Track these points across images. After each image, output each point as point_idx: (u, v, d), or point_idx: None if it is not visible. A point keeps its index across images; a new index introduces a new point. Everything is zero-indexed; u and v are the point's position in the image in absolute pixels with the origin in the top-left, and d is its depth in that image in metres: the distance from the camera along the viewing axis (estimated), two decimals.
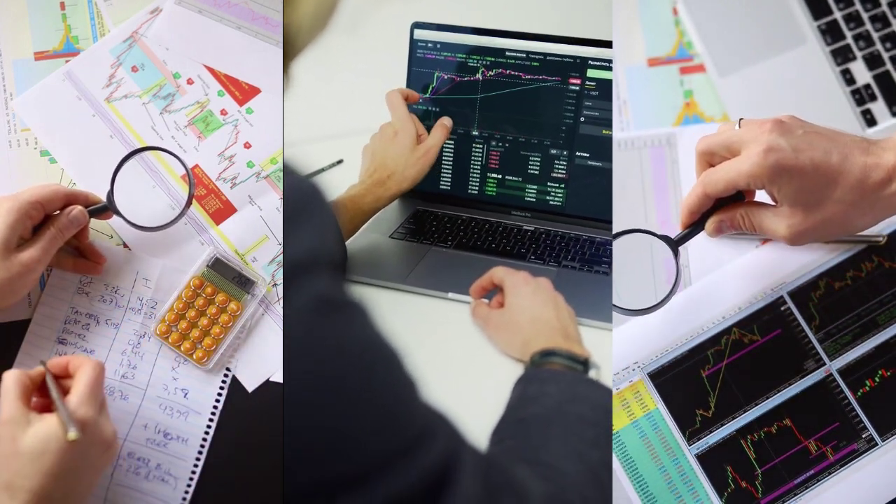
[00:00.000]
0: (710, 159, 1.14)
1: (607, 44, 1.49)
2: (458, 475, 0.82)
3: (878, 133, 1.31)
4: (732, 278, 1.25)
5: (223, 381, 1.27)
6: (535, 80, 1.56)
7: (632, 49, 1.37)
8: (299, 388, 0.76)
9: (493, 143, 1.59)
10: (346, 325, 0.80)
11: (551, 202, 1.58)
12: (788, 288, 1.24)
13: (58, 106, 1.33)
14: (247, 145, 1.33)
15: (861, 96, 1.32)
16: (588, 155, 1.54)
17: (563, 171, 1.56)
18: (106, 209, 1.24)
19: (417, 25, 1.61)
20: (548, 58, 1.55)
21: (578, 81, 1.53)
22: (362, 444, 0.78)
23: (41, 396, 1.12)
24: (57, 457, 1.03)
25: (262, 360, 1.28)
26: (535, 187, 1.58)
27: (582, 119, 1.54)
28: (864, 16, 1.34)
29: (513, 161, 1.59)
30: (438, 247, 1.52)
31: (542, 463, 0.97)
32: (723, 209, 1.15)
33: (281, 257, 1.30)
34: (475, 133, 1.60)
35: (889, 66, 1.33)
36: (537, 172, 1.58)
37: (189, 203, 1.25)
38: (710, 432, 1.20)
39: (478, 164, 1.61)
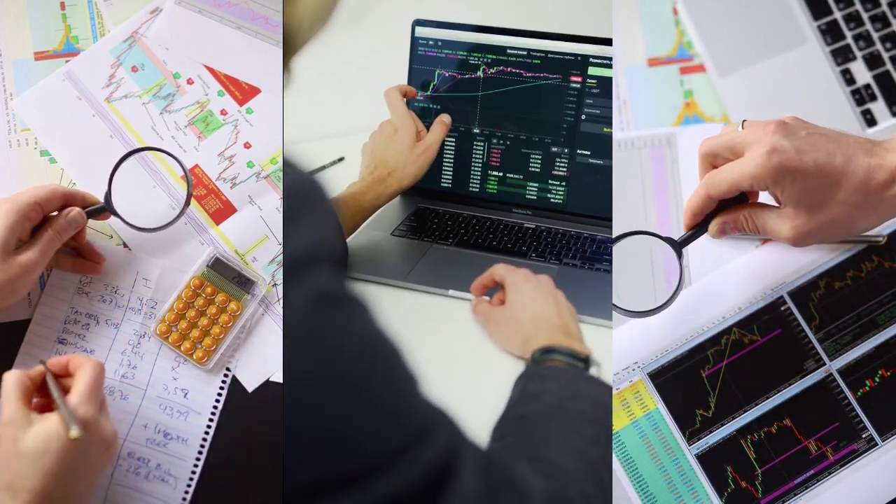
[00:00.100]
0: (713, 161, 1.14)
1: (608, 41, 1.49)
2: (458, 472, 0.82)
3: (878, 133, 1.31)
4: (732, 278, 1.25)
5: (223, 381, 1.27)
6: (536, 78, 1.56)
7: (632, 49, 1.37)
8: (299, 383, 0.76)
9: (495, 141, 1.60)
10: (346, 321, 0.80)
11: (552, 200, 1.58)
12: (788, 288, 1.24)
13: (58, 106, 1.33)
14: (247, 145, 1.33)
15: (861, 96, 1.32)
16: (589, 153, 1.54)
17: (565, 169, 1.56)
18: (104, 210, 1.24)
19: (419, 23, 1.61)
20: (549, 55, 1.55)
21: (579, 79, 1.53)
22: (363, 440, 0.78)
23: (42, 396, 1.13)
24: (57, 456, 1.03)
25: (262, 360, 1.28)
26: (536, 185, 1.58)
27: (583, 117, 1.54)
28: (864, 16, 1.34)
29: (514, 159, 1.59)
30: (439, 244, 1.52)
31: (543, 460, 0.97)
32: (726, 211, 1.15)
33: (281, 257, 1.30)
34: (476, 131, 1.60)
35: (889, 66, 1.33)
36: (538, 170, 1.58)
37: (187, 204, 1.25)
38: (710, 432, 1.20)
39: (479, 162, 1.61)
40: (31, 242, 1.19)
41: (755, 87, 1.33)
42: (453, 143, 1.61)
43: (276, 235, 1.31)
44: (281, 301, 1.29)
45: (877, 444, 1.20)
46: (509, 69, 1.57)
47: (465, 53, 1.59)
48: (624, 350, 1.23)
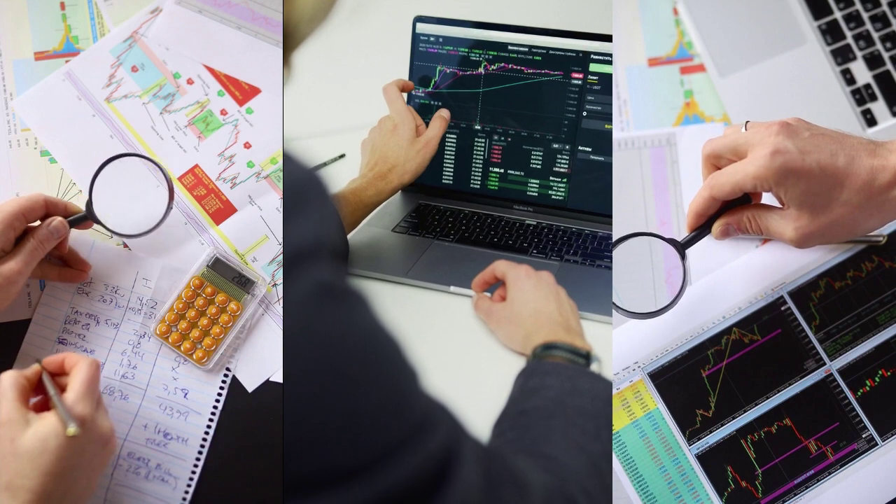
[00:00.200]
0: (716, 162, 1.14)
1: (609, 38, 1.49)
2: (458, 465, 0.82)
3: (878, 133, 1.31)
4: (732, 278, 1.25)
5: (223, 381, 1.27)
6: (537, 75, 1.56)
7: (632, 49, 1.37)
8: (299, 377, 0.76)
9: (496, 138, 1.60)
10: (347, 314, 0.79)
11: (553, 197, 1.58)
12: (788, 288, 1.24)
13: (58, 106, 1.33)
14: (247, 145, 1.33)
15: (861, 96, 1.32)
16: (590, 149, 1.54)
17: (566, 166, 1.56)
18: (86, 219, 1.24)
19: (419, 19, 1.61)
20: (550, 52, 1.55)
21: (581, 76, 1.53)
22: (362, 433, 0.78)
23: (39, 395, 1.13)
24: (56, 455, 1.04)
25: (262, 360, 1.28)
26: (537, 182, 1.58)
27: (584, 113, 1.54)
28: (864, 16, 1.34)
29: (515, 155, 1.59)
30: (440, 241, 1.52)
31: (543, 455, 0.97)
32: (729, 212, 1.15)
33: (281, 257, 1.30)
34: (477, 127, 1.60)
35: (889, 66, 1.33)
36: (539, 167, 1.58)
37: (169, 209, 1.24)
38: (710, 432, 1.20)
39: (480, 159, 1.61)
40: (13, 253, 1.18)
41: (755, 87, 1.33)
42: (454, 140, 1.62)
43: (276, 235, 1.31)
44: (281, 301, 1.29)
45: (877, 444, 1.20)
46: (510, 66, 1.57)
47: (466, 50, 1.59)
48: (624, 350, 1.23)
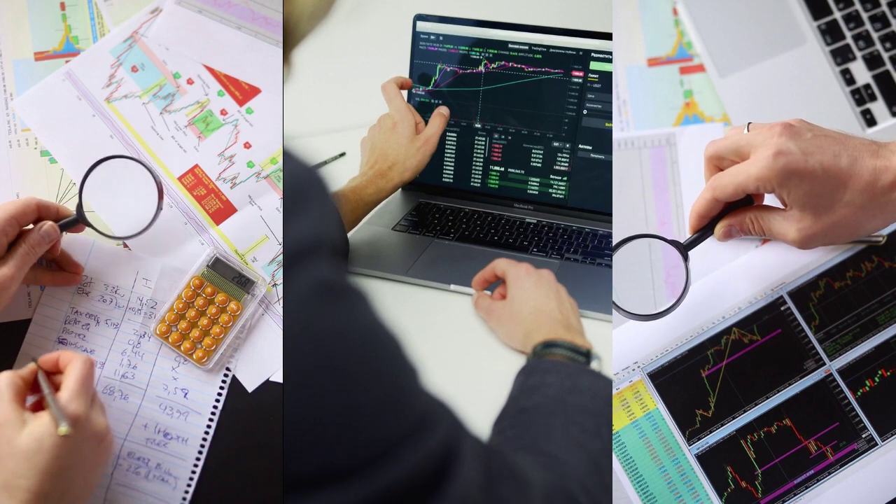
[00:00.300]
0: (718, 163, 1.14)
1: (610, 36, 1.49)
2: (458, 462, 0.82)
3: (878, 133, 1.31)
4: (732, 278, 1.25)
5: (223, 381, 1.27)
6: (537, 73, 1.56)
7: (632, 49, 1.37)
8: (299, 374, 0.76)
9: (496, 136, 1.60)
10: (347, 311, 0.79)
11: (554, 195, 1.58)
12: (788, 288, 1.24)
13: (58, 106, 1.33)
14: (247, 145, 1.33)
15: (861, 96, 1.32)
16: (591, 148, 1.54)
17: (566, 164, 1.56)
18: (77, 222, 1.24)
19: (420, 17, 1.61)
20: (550, 50, 1.55)
21: (581, 74, 1.53)
22: (362, 430, 0.78)
23: (36, 394, 1.13)
24: (51, 454, 1.04)
25: (262, 360, 1.28)
26: (537, 180, 1.59)
27: (585, 112, 1.54)
28: (864, 16, 1.34)
29: (515, 154, 1.59)
30: (441, 239, 1.52)
31: (543, 453, 0.97)
32: (732, 213, 1.15)
33: (281, 257, 1.30)
34: (478, 126, 1.60)
35: (889, 66, 1.33)
36: (540, 165, 1.58)
37: (158, 209, 1.23)
38: (710, 432, 1.20)
39: (480, 157, 1.61)
40: (5, 258, 1.18)
41: (755, 87, 1.33)
42: (455, 139, 1.62)
43: (276, 235, 1.31)
44: (281, 301, 1.29)
45: (877, 444, 1.20)
46: (511, 64, 1.57)
47: (467, 48, 1.59)
48: (624, 350, 1.23)
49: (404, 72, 1.62)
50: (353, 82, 1.84)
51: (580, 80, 1.53)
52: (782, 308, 1.23)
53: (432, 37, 1.61)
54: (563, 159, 1.56)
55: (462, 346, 1.31)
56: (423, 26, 1.61)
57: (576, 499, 0.93)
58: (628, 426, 1.21)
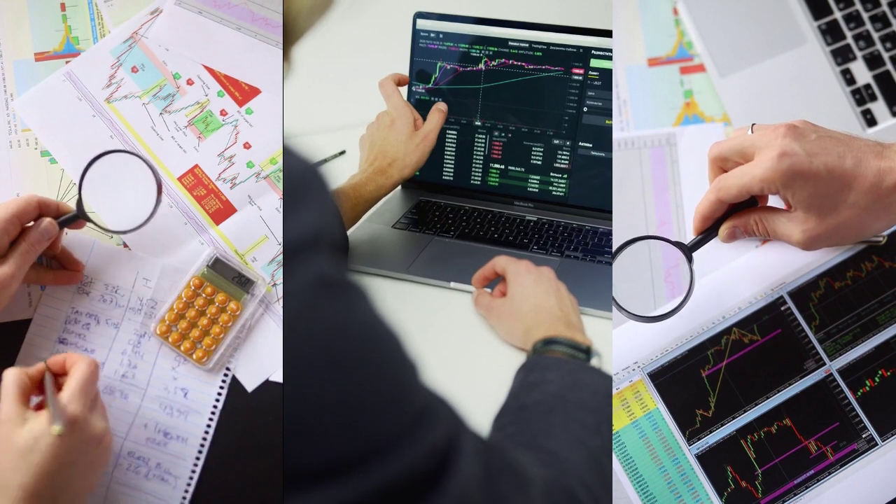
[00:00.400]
0: (722, 165, 1.14)
1: (610, 33, 1.49)
2: (457, 458, 0.82)
3: (878, 133, 1.31)
4: (732, 278, 1.25)
5: (223, 381, 1.27)
6: (537, 70, 1.56)
7: (632, 49, 1.37)
8: (299, 370, 0.76)
9: (496, 134, 1.60)
10: (346, 307, 0.79)
11: (554, 192, 1.58)
12: (788, 288, 1.24)
13: (58, 106, 1.33)
14: (246, 146, 1.34)
15: (861, 96, 1.32)
16: (591, 145, 1.55)
17: (566, 162, 1.56)
18: (77, 218, 1.24)
19: (420, 15, 1.61)
20: (551, 48, 1.55)
21: (581, 71, 1.53)
22: (362, 425, 0.78)
23: (41, 394, 1.13)
24: (46, 454, 1.04)
25: (261, 359, 1.28)
26: (537, 178, 1.59)
27: (585, 109, 1.54)
28: (864, 16, 1.34)
29: (515, 151, 1.59)
30: (441, 237, 1.52)
31: (543, 449, 0.97)
32: (736, 215, 1.15)
33: (281, 257, 1.31)
34: (478, 123, 1.61)
35: (889, 66, 1.33)
36: (540, 163, 1.58)
37: (158, 202, 1.23)
38: (710, 432, 1.20)
39: (480, 155, 1.61)
40: (6, 257, 1.18)
41: (755, 87, 1.33)
42: (455, 136, 1.62)
43: (276, 235, 1.31)
44: (281, 301, 1.29)
45: (877, 444, 1.20)
46: (511, 61, 1.57)
47: (467, 46, 1.59)
48: (624, 350, 1.23)
49: (404, 70, 1.62)
50: (352, 81, 1.84)
51: (580, 78, 1.54)
52: (782, 308, 1.23)
53: (432, 34, 1.61)
54: (563, 157, 1.57)
55: (462, 344, 1.31)
56: (423, 24, 1.61)
57: (575, 495, 0.93)
58: (628, 426, 1.21)
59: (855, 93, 1.32)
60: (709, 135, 1.32)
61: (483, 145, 1.61)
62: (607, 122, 1.53)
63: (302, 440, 0.76)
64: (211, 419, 1.26)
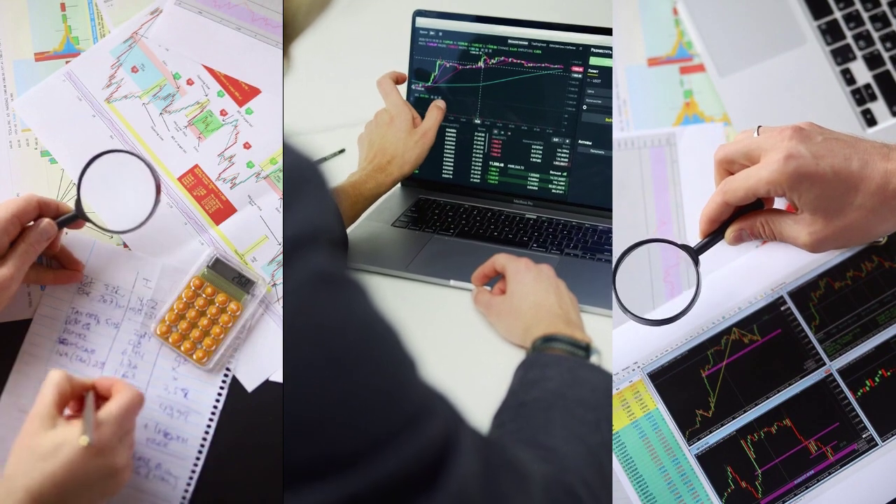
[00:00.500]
0: (728, 167, 1.14)
1: (610, 31, 1.49)
2: (456, 454, 0.82)
3: (878, 133, 1.31)
4: (732, 278, 1.25)
5: (223, 381, 1.27)
6: (537, 68, 1.56)
7: (632, 49, 1.37)
8: (298, 365, 0.76)
9: (496, 132, 1.60)
10: (345, 303, 0.79)
11: (553, 191, 1.58)
12: (788, 288, 1.24)
13: (58, 106, 1.33)
14: (246, 146, 1.33)
15: (861, 96, 1.32)
16: (590, 143, 1.55)
17: (566, 160, 1.57)
18: (76, 218, 1.23)
19: (419, 13, 1.61)
20: (550, 46, 1.55)
21: (581, 69, 1.54)
22: (361, 421, 0.78)
23: (76, 410, 1.13)
24: (62, 464, 1.04)
25: (261, 360, 1.28)
26: (537, 176, 1.59)
27: (584, 107, 1.54)
28: (864, 16, 1.34)
29: (515, 149, 1.59)
30: (440, 235, 1.52)
31: (543, 446, 0.98)
32: (742, 217, 1.15)
33: (281, 257, 1.31)
34: (477, 121, 1.61)
35: (889, 65, 1.33)
36: (539, 161, 1.58)
37: (157, 201, 1.23)
38: (710, 432, 1.20)
39: (480, 153, 1.61)
40: (5, 257, 1.18)
41: (755, 87, 1.33)
42: (454, 134, 1.62)
43: (276, 235, 1.31)
44: (281, 301, 1.29)
45: (877, 444, 1.20)
46: (510, 59, 1.58)
47: (466, 44, 1.59)
48: (624, 350, 1.22)
49: (404, 67, 1.62)
50: (352, 79, 1.84)
51: (580, 76, 1.54)
52: (782, 308, 1.23)
53: (432, 32, 1.61)
54: (562, 155, 1.57)
55: (462, 342, 1.31)
56: (422, 22, 1.61)
57: (575, 492, 0.93)
58: (628, 426, 1.21)
59: (855, 93, 1.32)
60: (709, 135, 1.32)
61: (482, 143, 1.61)
62: (607, 119, 1.53)
63: (301, 435, 0.76)
64: (211, 419, 1.26)
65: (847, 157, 1.07)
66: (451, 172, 1.63)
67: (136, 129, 1.33)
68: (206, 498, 1.24)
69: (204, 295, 1.27)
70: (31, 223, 1.21)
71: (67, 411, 1.13)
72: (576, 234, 1.51)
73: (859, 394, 1.21)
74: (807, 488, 1.19)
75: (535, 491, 0.89)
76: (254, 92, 1.35)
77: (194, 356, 1.26)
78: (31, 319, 1.27)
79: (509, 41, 1.57)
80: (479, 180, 1.62)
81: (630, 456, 1.20)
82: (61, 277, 1.27)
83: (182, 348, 1.26)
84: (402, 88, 1.55)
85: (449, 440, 0.82)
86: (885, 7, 1.34)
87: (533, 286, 1.27)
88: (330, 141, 1.75)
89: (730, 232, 1.15)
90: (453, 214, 1.57)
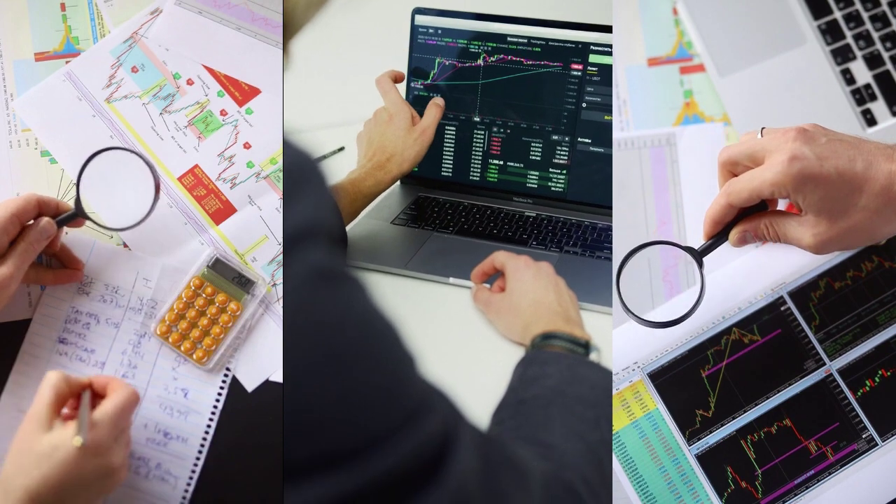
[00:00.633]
0: (732, 169, 1.14)
1: (609, 29, 1.49)
2: (455, 450, 0.82)
3: (878, 133, 1.31)
4: (732, 278, 1.25)
5: (223, 381, 1.27)
6: (536, 66, 1.56)
7: (632, 49, 1.37)
8: (298, 360, 0.77)
9: (495, 130, 1.60)
10: (344, 299, 0.80)
11: (553, 188, 1.58)
12: (788, 288, 1.24)
13: (58, 106, 1.33)
14: (246, 146, 1.33)
15: (861, 96, 1.32)
16: (590, 141, 1.55)
17: (565, 158, 1.57)
18: (75, 216, 1.23)
19: (418, 11, 1.61)
20: (549, 43, 1.55)
21: (580, 67, 1.54)
22: (360, 416, 0.78)
23: (73, 408, 1.13)
24: (59, 465, 1.04)
25: (261, 359, 1.28)
26: (536, 173, 1.59)
27: (584, 105, 1.54)
28: (864, 15, 1.34)
29: (514, 147, 1.60)
30: (440, 233, 1.53)
31: (542, 443, 0.98)
32: (746, 219, 1.14)
33: (281, 257, 1.31)
34: (477, 119, 1.61)
35: (889, 65, 1.33)
36: (539, 159, 1.58)
37: (156, 198, 1.22)
38: (710, 432, 1.20)
39: (479, 151, 1.62)
40: (5, 256, 1.18)
41: (755, 87, 1.33)
42: (453, 132, 1.62)
43: (276, 235, 1.31)
44: (281, 301, 1.29)
45: (877, 444, 1.20)
46: (510, 57, 1.58)
47: (466, 42, 1.59)
48: (624, 350, 1.23)
49: (403, 65, 1.62)
50: (351, 77, 1.84)
51: (579, 73, 1.54)
52: (782, 308, 1.23)
53: (431, 30, 1.61)
54: (562, 152, 1.57)
55: (461, 339, 1.31)
56: (421, 20, 1.61)
57: (574, 489, 0.93)
58: (628, 426, 1.21)
59: (855, 93, 1.32)
60: (709, 135, 1.32)
61: (482, 141, 1.61)
62: (606, 117, 1.53)
63: (301, 432, 0.76)
64: (211, 419, 1.26)
65: (851, 158, 1.06)
66: (450, 170, 1.64)
67: (136, 129, 1.33)
68: (206, 498, 1.24)
69: (204, 295, 1.27)
70: (31, 222, 1.20)
71: (66, 410, 1.13)
72: (575, 231, 1.51)
73: (859, 394, 1.21)
74: (807, 488, 1.19)
75: (534, 488, 0.89)
76: (254, 92, 1.35)
77: (194, 356, 1.26)
78: (31, 319, 1.27)
79: (508, 39, 1.57)
80: (478, 178, 1.62)
81: (630, 456, 1.20)
82: (61, 277, 1.27)
83: (182, 348, 1.26)
84: (402, 87, 1.55)
85: (448, 437, 0.82)
86: (885, 7, 1.34)
87: (532, 284, 1.27)
88: (329, 139, 1.75)
89: (734, 234, 1.15)
90: (452, 212, 1.57)
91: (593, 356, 1.15)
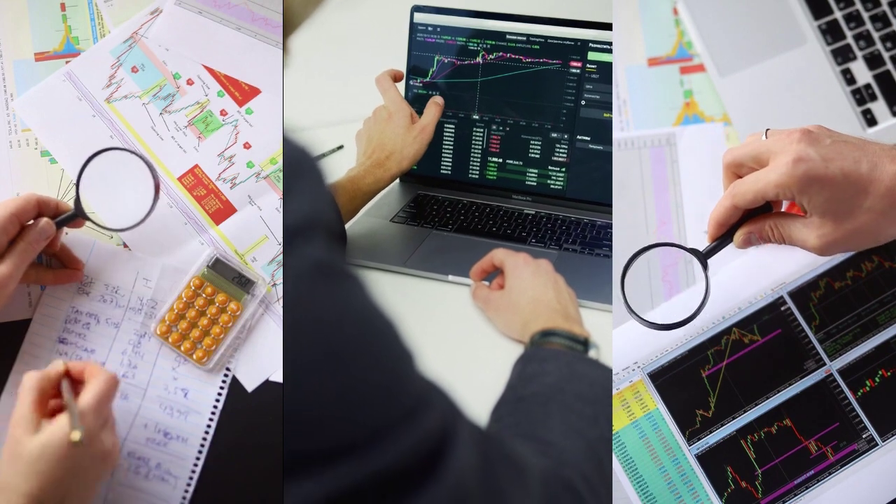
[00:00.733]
0: (737, 170, 1.14)
1: (608, 26, 1.49)
2: (454, 446, 0.82)
3: (878, 133, 1.31)
4: (732, 278, 1.25)
5: (223, 381, 1.27)
6: (535, 64, 1.56)
7: (632, 49, 1.37)
8: (298, 357, 0.77)
9: (494, 127, 1.60)
10: (342, 295, 0.80)
11: (552, 186, 1.58)
12: (788, 288, 1.24)
13: (58, 106, 1.33)
14: (246, 146, 1.33)
15: (861, 96, 1.32)
16: (589, 138, 1.55)
17: (564, 155, 1.57)
18: (75, 217, 1.23)
19: (417, 9, 1.61)
20: (548, 41, 1.55)
21: (579, 64, 1.54)
22: (359, 412, 0.78)
23: (57, 397, 1.13)
24: (54, 462, 1.04)
25: (261, 359, 1.28)
26: (535, 171, 1.59)
27: (583, 102, 1.54)
28: (865, 15, 1.34)
29: (514, 145, 1.60)
30: (439, 230, 1.53)
31: (541, 440, 0.98)
32: (751, 221, 1.14)
33: (281, 257, 1.31)
34: (476, 117, 1.61)
35: (889, 65, 1.33)
36: (538, 156, 1.59)
37: (156, 199, 1.22)
38: (710, 432, 1.20)
39: (478, 149, 1.62)
40: (4, 256, 1.17)
41: (755, 87, 1.33)
42: (453, 130, 1.62)
43: (276, 235, 1.31)
44: (281, 301, 1.29)
45: (877, 444, 1.20)
46: (509, 55, 1.58)
47: (465, 39, 1.59)
48: (624, 350, 1.23)
49: (402, 63, 1.62)
50: (350, 76, 1.84)
51: (578, 71, 1.54)
52: (782, 308, 1.23)
53: (430, 28, 1.61)
54: (561, 150, 1.57)
55: (460, 336, 1.31)
56: (420, 17, 1.61)
57: (573, 486, 0.93)
58: (628, 426, 1.21)
59: (855, 93, 1.32)
60: (709, 135, 1.32)
61: (481, 139, 1.61)
62: (605, 115, 1.53)
63: (300, 428, 0.76)
64: (211, 419, 1.26)
65: (856, 159, 1.06)
66: (449, 168, 1.64)
67: (136, 129, 1.33)
68: (206, 498, 1.24)
69: (204, 295, 1.27)
70: (31, 222, 1.20)
71: (51, 403, 1.13)
72: (574, 229, 1.51)
73: (859, 394, 1.21)
74: (807, 488, 1.19)
75: (533, 485, 0.89)
76: (254, 92, 1.35)
77: (194, 356, 1.26)
78: (31, 319, 1.27)
79: (507, 36, 1.57)
80: (477, 176, 1.62)
81: (630, 456, 1.20)
82: (61, 277, 1.26)
83: (182, 348, 1.26)
84: (401, 85, 1.56)
85: (447, 434, 0.82)
86: (885, 7, 1.34)
87: (531, 281, 1.27)
88: (329, 137, 1.75)
89: (738, 235, 1.15)
90: (452, 210, 1.57)
91: (592, 353, 1.15)
